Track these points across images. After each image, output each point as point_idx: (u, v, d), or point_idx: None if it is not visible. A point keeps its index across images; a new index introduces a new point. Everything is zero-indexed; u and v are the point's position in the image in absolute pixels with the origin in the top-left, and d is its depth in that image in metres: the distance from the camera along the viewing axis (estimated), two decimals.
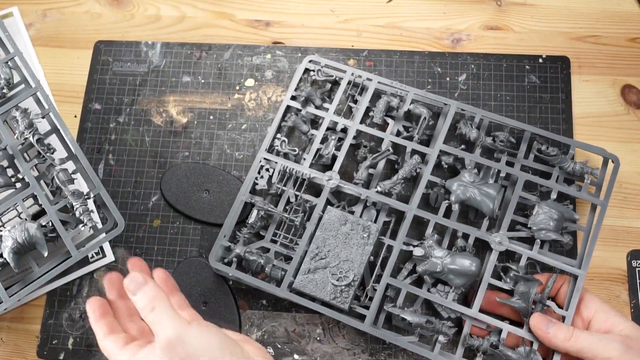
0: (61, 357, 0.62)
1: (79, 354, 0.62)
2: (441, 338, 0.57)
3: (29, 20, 0.74)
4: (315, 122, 0.66)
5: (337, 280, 0.58)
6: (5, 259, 0.56)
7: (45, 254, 0.56)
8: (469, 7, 0.73)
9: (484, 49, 0.70)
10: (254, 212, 0.61)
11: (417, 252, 0.58)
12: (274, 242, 0.62)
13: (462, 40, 0.71)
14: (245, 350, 0.49)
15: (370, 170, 0.63)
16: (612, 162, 0.61)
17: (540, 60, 0.69)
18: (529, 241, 0.60)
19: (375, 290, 0.58)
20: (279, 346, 0.61)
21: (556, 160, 0.61)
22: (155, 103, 0.70)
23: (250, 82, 0.70)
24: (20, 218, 0.60)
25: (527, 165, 0.63)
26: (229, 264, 0.60)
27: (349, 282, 0.58)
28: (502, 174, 0.61)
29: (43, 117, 0.60)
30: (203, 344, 0.46)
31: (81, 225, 0.58)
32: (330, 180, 0.61)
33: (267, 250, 0.61)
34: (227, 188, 0.65)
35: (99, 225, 0.60)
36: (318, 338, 0.62)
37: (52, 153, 0.59)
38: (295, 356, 0.61)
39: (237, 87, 0.70)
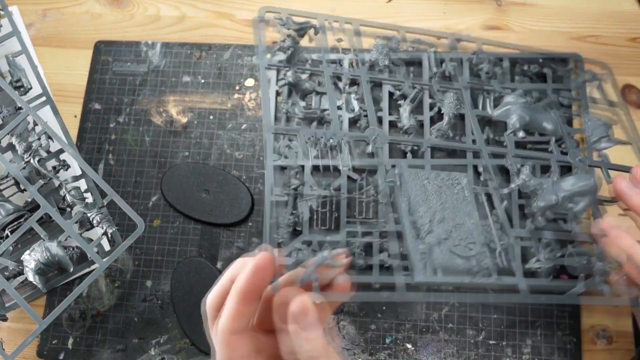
0: (61, 357, 0.62)
1: (79, 354, 0.62)
2: (598, 279, 0.49)
3: (29, 20, 0.74)
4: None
5: (464, 252, 0.47)
6: (31, 281, 0.56)
7: (71, 270, 0.57)
8: (469, 7, 0.72)
9: (484, 49, 0.70)
10: (303, 204, 0.53)
11: (529, 180, 0.51)
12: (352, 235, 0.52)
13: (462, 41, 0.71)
14: None
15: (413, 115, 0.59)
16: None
17: (541, 60, 0.69)
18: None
19: (506, 249, 0.49)
20: None
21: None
22: (155, 103, 0.70)
23: (250, 82, 0.70)
24: (30, 234, 0.59)
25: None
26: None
27: (479, 250, 0.48)
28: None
29: (39, 139, 0.58)
30: None
31: (101, 233, 0.57)
32: (377, 137, 0.52)
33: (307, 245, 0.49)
34: (227, 188, 0.65)
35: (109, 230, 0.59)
36: None
37: (67, 169, 0.59)
38: None
39: (237, 87, 0.70)
